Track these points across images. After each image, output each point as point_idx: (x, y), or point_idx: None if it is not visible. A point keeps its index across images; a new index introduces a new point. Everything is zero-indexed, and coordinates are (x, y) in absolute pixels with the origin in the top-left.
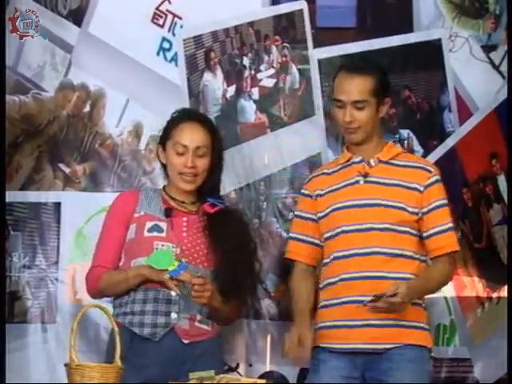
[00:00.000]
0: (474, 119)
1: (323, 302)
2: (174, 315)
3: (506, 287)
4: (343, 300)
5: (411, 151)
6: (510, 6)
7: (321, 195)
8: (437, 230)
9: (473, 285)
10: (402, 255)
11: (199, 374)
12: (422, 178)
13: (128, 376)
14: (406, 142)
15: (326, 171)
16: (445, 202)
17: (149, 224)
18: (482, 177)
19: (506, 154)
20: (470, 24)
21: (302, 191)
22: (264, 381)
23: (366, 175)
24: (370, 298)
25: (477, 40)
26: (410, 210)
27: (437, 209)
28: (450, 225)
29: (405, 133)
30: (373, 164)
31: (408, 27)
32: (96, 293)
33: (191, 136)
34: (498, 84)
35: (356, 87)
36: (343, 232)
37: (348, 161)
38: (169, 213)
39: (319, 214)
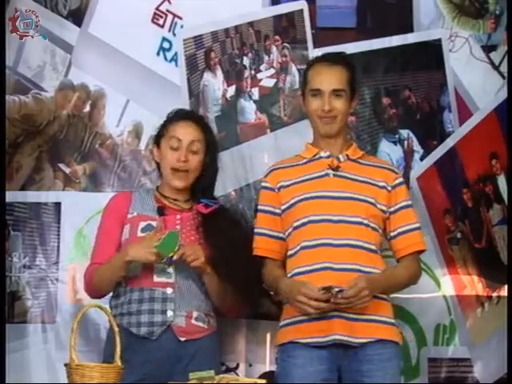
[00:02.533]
0: (473, 119)
1: None
2: (170, 313)
3: (505, 287)
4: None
5: (411, 151)
6: (510, 5)
7: (285, 186)
8: (404, 229)
9: (473, 285)
10: (370, 249)
11: (199, 373)
12: (389, 177)
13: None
14: (405, 142)
15: (289, 164)
16: (410, 203)
17: (142, 224)
18: (482, 177)
19: (506, 154)
20: (470, 24)
21: (263, 185)
22: (264, 381)
23: (336, 169)
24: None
25: (477, 40)
26: (378, 206)
27: (403, 209)
28: (417, 225)
29: (405, 133)
30: (342, 160)
31: (408, 27)
32: (92, 289)
33: (185, 130)
34: (498, 84)
35: (335, 76)
36: (310, 222)
37: (315, 155)
38: (161, 211)
39: (283, 206)
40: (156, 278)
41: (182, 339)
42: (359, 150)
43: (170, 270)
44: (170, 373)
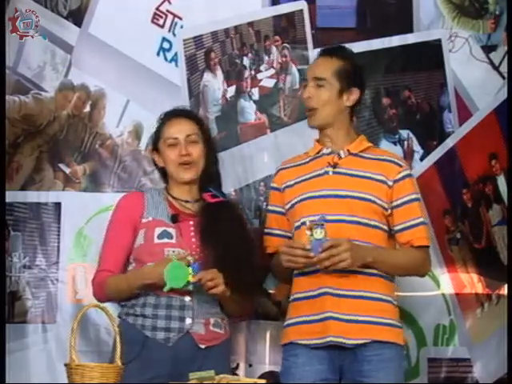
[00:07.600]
0: (473, 119)
1: (295, 295)
2: (188, 320)
3: (505, 287)
4: (317, 292)
5: (411, 151)
6: (510, 5)
7: (289, 186)
8: (407, 224)
9: (472, 285)
10: None
11: (199, 373)
12: (390, 171)
13: (138, 373)
14: (405, 142)
15: (294, 163)
16: (416, 196)
17: (158, 230)
18: (482, 177)
19: (505, 154)
20: (470, 24)
21: (271, 185)
22: (264, 381)
23: (335, 166)
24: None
25: (477, 40)
26: (378, 202)
27: (407, 204)
28: (422, 219)
29: (405, 133)
30: (342, 155)
31: (408, 27)
32: (103, 298)
33: (178, 127)
34: (498, 84)
35: (320, 64)
36: (304, 224)
37: (318, 152)
38: (176, 219)
39: (287, 206)
40: None
41: (203, 346)
42: (366, 143)
43: (186, 299)
44: (183, 376)
